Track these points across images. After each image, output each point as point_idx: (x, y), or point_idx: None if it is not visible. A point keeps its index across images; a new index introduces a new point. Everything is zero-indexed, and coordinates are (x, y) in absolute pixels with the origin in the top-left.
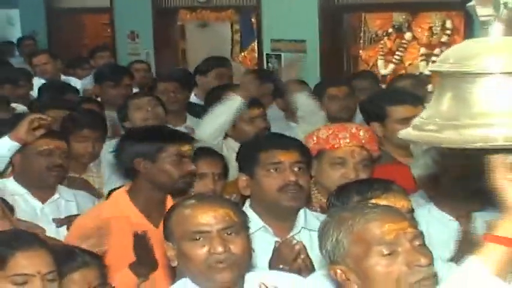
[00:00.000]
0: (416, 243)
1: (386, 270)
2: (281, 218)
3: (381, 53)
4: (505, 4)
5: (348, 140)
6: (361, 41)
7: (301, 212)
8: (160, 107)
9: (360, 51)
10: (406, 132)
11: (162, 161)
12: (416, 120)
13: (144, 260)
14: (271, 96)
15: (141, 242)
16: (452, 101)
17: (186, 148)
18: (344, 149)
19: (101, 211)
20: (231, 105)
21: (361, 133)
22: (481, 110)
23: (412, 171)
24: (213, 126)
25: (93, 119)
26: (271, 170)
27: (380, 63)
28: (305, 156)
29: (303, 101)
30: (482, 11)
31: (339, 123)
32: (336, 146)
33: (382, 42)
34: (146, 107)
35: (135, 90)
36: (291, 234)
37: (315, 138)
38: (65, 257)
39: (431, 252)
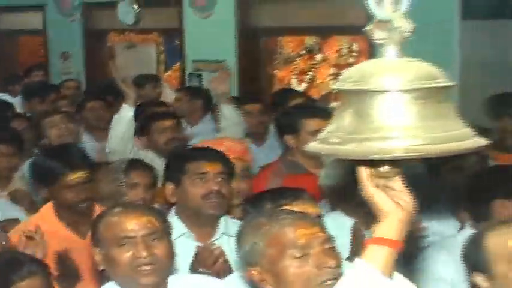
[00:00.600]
0: (326, 246)
1: (298, 271)
2: (203, 224)
3: (295, 72)
4: (398, 29)
5: (227, 153)
6: (276, 62)
7: (222, 219)
8: (72, 124)
9: (275, 71)
10: (312, 145)
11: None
12: (321, 134)
13: (67, 273)
14: (202, 111)
15: (62, 259)
16: (353, 116)
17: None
18: None
19: (27, 227)
20: (124, 116)
21: (238, 146)
22: (379, 124)
23: (320, 181)
24: (116, 138)
25: (6, 135)
26: (197, 180)
27: (294, 81)
28: (227, 167)
29: (227, 112)
30: (378, 35)
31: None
32: None
33: (295, 62)
34: (60, 124)
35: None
36: (212, 239)
37: None
38: (12, 266)
39: (339, 254)
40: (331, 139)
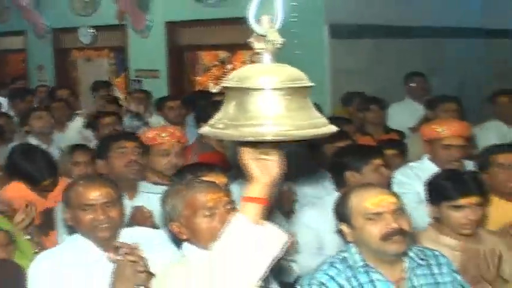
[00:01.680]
0: (228, 207)
1: (207, 226)
2: (128, 187)
3: (211, 78)
4: (272, 42)
5: (169, 137)
6: (197, 70)
7: (143, 182)
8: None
9: (197, 77)
10: (204, 129)
11: None
12: (211, 121)
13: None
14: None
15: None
16: (235, 108)
17: None
18: (167, 143)
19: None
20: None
21: (177, 132)
22: (255, 114)
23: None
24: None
25: None
26: (118, 152)
27: (210, 85)
28: (141, 144)
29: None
30: (258, 45)
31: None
32: (161, 142)
33: (211, 71)
34: (45, 117)
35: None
36: (135, 198)
37: (145, 137)
38: None
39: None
40: (217, 125)
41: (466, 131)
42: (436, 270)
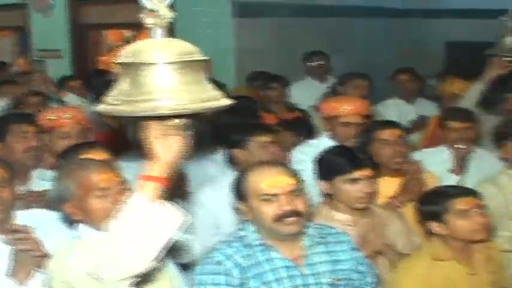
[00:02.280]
0: (120, 187)
1: (100, 207)
2: (22, 174)
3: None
4: (162, 16)
5: (69, 119)
6: (102, 50)
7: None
8: None
9: (101, 57)
10: (100, 107)
11: None
12: (105, 98)
13: None
14: None
15: None
16: (130, 84)
17: None
18: (68, 125)
19: None
20: None
21: (77, 113)
22: (150, 89)
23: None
24: None
25: None
26: (19, 137)
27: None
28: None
29: None
30: (148, 21)
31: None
32: (61, 124)
33: (116, 50)
34: None
35: None
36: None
37: (44, 118)
38: None
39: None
40: (112, 102)
41: (364, 108)
42: (335, 248)
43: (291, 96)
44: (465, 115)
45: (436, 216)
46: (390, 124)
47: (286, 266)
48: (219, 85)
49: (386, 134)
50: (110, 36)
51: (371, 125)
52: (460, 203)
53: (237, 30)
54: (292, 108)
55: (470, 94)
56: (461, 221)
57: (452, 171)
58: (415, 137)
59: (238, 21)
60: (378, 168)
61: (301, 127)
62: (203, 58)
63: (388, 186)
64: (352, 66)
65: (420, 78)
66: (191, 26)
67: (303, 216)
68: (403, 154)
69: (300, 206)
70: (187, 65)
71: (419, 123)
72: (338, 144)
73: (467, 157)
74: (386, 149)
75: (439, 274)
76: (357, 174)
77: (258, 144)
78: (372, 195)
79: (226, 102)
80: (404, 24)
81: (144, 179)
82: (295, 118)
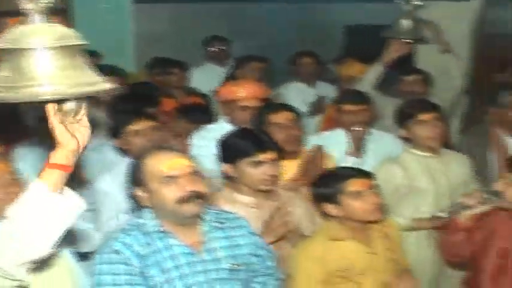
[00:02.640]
0: (11, 177)
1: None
2: None
3: None
4: (41, 1)
5: None
6: None
7: None
8: None
9: None
10: None
11: None
12: None
13: None
14: None
15: None
16: (11, 70)
17: None
18: None
19: None
20: None
21: None
22: (31, 75)
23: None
24: None
25: None
26: None
27: None
28: None
29: None
30: (26, 6)
31: None
32: None
33: None
34: None
35: None
36: None
37: None
38: None
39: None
40: None
41: (261, 92)
42: (233, 233)
43: (191, 82)
44: (359, 97)
45: (331, 198)
46: (283, 107)
47: (185, 253)
48: (117, 71)
49: (279, 117)
50: (11, 23)
51: (263, 109)
52: (353, 185)
53: (137, 16)
54: (192, 93)
55: (367, 77)
56: (355, 202)
57: (349, 153)
58: (316, 119)
59: (138, 7)
60: (281, 151)
61: (197, 113)
62: (82, 43)
63: (286, 169)
64: (252, 51)
65: (320, 61)
66: (91, 13)
67: (204, 198)
68: (297, 137)
69: (201, 187)
70: (67, 49)
71: (319, 105)
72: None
73: (364, 139)
74: (279, 132)
75: (336, 254)
76: (261, 157)
77: (133, 133)
78: (275, 178)
79: (106, 86)
80: (305, 8)
81: (48, 167)
82: (192, 104)
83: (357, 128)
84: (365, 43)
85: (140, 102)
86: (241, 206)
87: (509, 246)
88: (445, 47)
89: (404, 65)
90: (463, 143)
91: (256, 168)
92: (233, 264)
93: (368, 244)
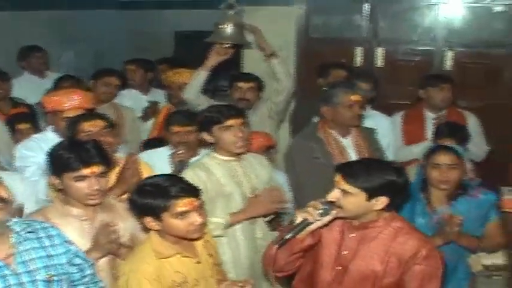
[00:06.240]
0: None
1: None
2: None
3: None
4: None
5: None
6: None
7: None
8: None
9: None
10: None
11: None
12: None
13: None
14: None
15: None
16: None
17: None
18: None
19: None
20: None
21: None
22: None
23: None
24: None
25: None
26: None
27: None
28: None
29: None
30: None
31: None
32: None
33: None
34: None
35: None
36: None
37: None
38: None
39: None
40: None
41: (87, 102)
42: (48, 243)
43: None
44: (185, 119)
45: (152, 212)
46: (95, 116)
47: None
48: None
49: (91, 126)
50: None
51: (76, 118)
52: (180, 205)
53: None
54: (17, 103)
55: (192, 83)
56: (178, 221)
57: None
58: (148, 124)
59: None
60: (110, 163)
61: (31, 122)
62: None
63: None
64: (83, 58)
65: (151, 68)
66: None
67: (8, 204)
68: (110, 145)
69: (3, 192)
70: None
71: (152, 110)
72: (64, 138)
73: (186, 162)
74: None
75: (169, 270)
76: (85, 171)
77: None
78: (101, 192)
79: None
80: (136, 15)
81: None
82: (23, 113)
83: (179, 152)
84: (194, 49)
85: None
86: (73, 219)
87: (337, 252)
88: (270, 51)
89: (232, 70)
90: (294, 145)
91: (79, 183)
92: (49, 276)
93: (194, 254)
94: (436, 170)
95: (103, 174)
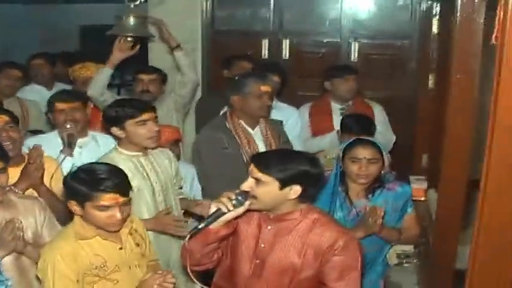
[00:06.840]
0: None
1: None
2: None
3: None
4: None
5: None
6: None
7: None
8: None
9: None
10: None
11: None
12: None
13: None
14: None
15: None
16: None
17: None
18: None
19: None
20: None
21: None
22: None
23: None
24: None
25: None
26: None
27: None
28: None
29: None
30: None
31: None
32: None
33: None
34: None
35: None
36: None
37: None
38: None
39: None
40: None
41: None
42: None
43: None
44: (69, 96)
45: (77, 198)
46: None
47: None
48: None
49: None
50: None
51: None
52: (104, 199)
53: None
54: None
55: (97, 77)
56: (98, 212)
57: (61, 151)
58: None
59: None
60: (8, 159)
61: None
62: None
63: (12, 176)
64: None
65: (56, 62)
66: None
67: None
68: (11, 140)
69: None
70: None
71: None
72: None
73: (76, 137)
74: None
75: (88, 252)
76: None
77: None
78: (2, 189)
79: None
80: (42, 9)
81: None
82: None
83: (67, 126)
84: (99, 43)
85: None
86: None
87: (255, 246)
88: (174, 44)
89: (137, 63)
90: (201, 136)
91: None
92: None
93: (117, 240)
94: (356, 164)
95: (2, 171)
